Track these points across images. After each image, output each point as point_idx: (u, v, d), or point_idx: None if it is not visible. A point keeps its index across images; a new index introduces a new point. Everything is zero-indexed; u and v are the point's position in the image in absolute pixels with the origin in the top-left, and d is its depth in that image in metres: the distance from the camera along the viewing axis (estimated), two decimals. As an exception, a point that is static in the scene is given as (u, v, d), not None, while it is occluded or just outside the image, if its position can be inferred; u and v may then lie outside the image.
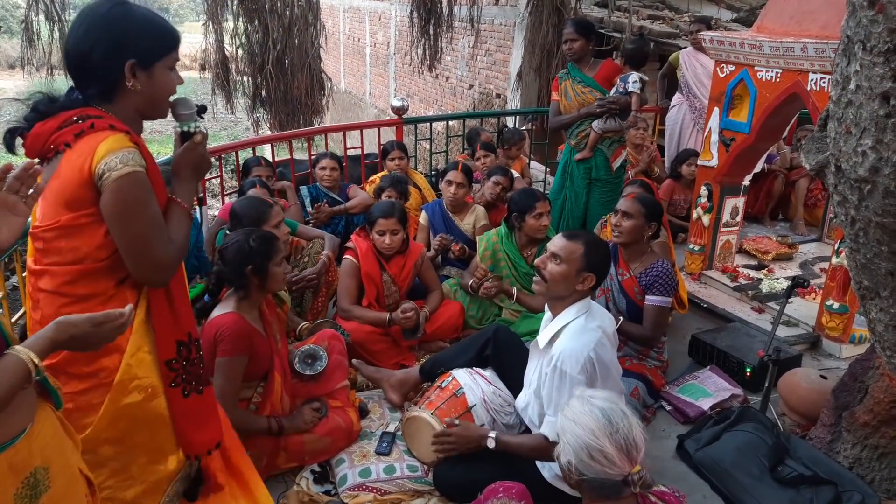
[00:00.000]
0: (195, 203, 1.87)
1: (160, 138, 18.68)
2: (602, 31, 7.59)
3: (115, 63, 1.71)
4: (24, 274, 2.96)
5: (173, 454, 1.91)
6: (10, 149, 1.77)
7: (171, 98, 1.86)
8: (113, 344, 1.64)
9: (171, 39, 1.81)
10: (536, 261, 2.62)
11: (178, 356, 1.89)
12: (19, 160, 1.59)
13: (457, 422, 2.67)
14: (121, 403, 1.79)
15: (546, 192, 5.84)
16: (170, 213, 1.85)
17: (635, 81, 4.31)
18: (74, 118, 1.69)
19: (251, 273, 2.67)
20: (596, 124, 4.43)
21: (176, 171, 1.91)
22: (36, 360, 1.40)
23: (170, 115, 1.90)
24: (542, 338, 2.53)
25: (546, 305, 2.66)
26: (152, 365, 1.84)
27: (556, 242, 2.56)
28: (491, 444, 2.58)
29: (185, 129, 1.90)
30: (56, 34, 7.84)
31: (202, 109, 1.96)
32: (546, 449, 2.44)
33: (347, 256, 3.69)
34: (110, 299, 1.76)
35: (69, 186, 1.69)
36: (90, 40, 1.69)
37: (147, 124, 1.93)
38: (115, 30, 1.70)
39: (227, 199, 5.02)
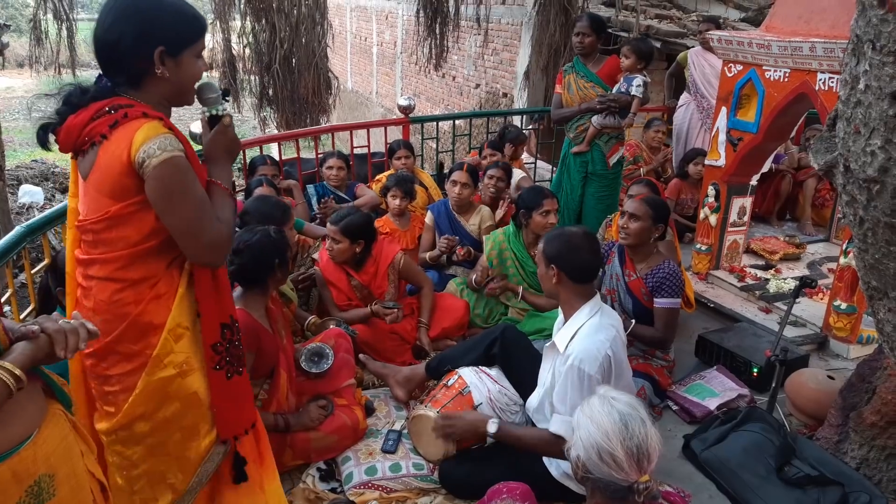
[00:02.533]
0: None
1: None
2: (610, 30, 7.58)
3: (144, 51, 1.71)
4: (32, 271, 2.98)
5: (206, 434, 1.90)
6: (44, 145, 1.78)
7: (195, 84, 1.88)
8: (159, 322, 1.75)
9: (198, 27, 1.82)
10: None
11: (223, 339, 1.91)
12: (53, 156, 1.60)
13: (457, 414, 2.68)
14: (154, 377, 1.79)
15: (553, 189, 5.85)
16: (212, 195, 1.85)
17: (639, 86, 4.33)
18: (107, 108, 1.69)
19: (278, 266, 2.71)
20: (595, 119, 4.46)
21: (209, 155, 1.92)
22: (18, 373, 1.38)
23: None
24: (560, 341, 2.52)
25: (559, 308, 2.66)
26: (189, 342, 1.84)
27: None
28: (493, 427, 2.58)
29: (213, 112, 1.91)
30: (64, 33, 7.87)
31: (226, 93, 1.98)
32: (549, 444, 2.43)
33: (315, 267, 3.71)
34: (159, 282, 1.79)
35: (111, 177, 1.69)
36: (119, 28, 1.70)
37: None
38: (144, 17, 1.71)
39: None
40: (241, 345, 2.00)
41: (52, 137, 1.78)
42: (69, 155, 1.83)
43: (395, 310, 3.49)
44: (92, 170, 1.72)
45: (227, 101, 1.97)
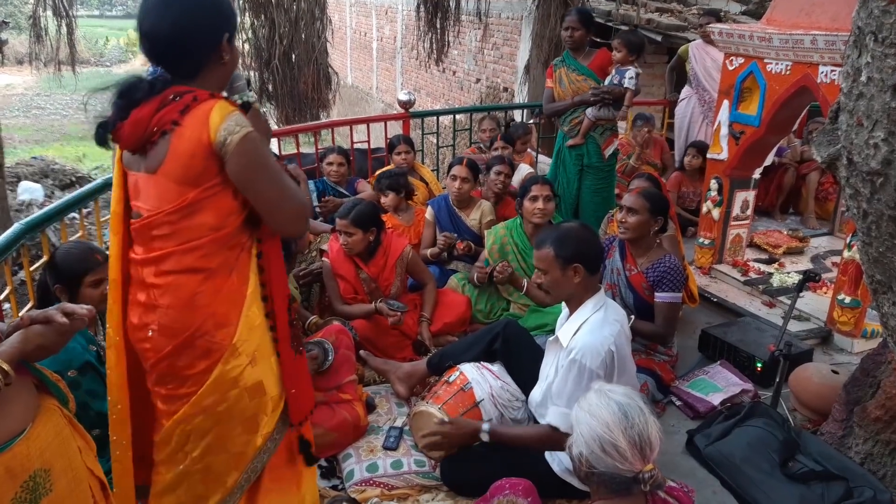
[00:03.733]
0: None
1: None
2: (610, 24, 7.56)
3: (215, 39, 1.73)
4: (31, 269, 2.97)
5: (263, 428, 1.88)
6: (104, 142, 1.74)
7: None
8: (235, 310, 1.75)
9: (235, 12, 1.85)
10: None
11: (290, 315, 1.92)
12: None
13: (446, 419, 2.66)
14: (228, 366, 1.78)
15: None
16: None
17: (632, 77, 4.34)
18: (171, 97, 1.68)
19: (285, 258, 2.71)
20: (590, 112, 4.46)
21: None
22: (6, 368, 1.37)
23: None
24: (564, 336, 2.51)
25: (563, 303, 2.65)
26: (259, 329, 1.83)
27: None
28: (485, 437, 2.57)
29: (245, 99, 1.92)
30: (63, 30, 7.86)
31: (248, 82, 1.98)
32: (549, 438, 2.43)
33: (323, 259, 3.69)
34: (234, 269, 1.79)
35: (189, 161, 1.67)
36: (190, 20, 1.70)
37: None
38: (213, 7, 1.73)
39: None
40: None
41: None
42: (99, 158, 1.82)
43: (399, 312, 3.48)
44: (164, 160, 1.69)
45: (251, 90, 1.97)
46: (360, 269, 3.63)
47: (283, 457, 1.99)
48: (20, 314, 2.89)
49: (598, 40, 6.32)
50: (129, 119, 1.68)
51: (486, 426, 2.59)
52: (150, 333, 1.78)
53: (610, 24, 7.57)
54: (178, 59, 1.73)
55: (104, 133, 1.72)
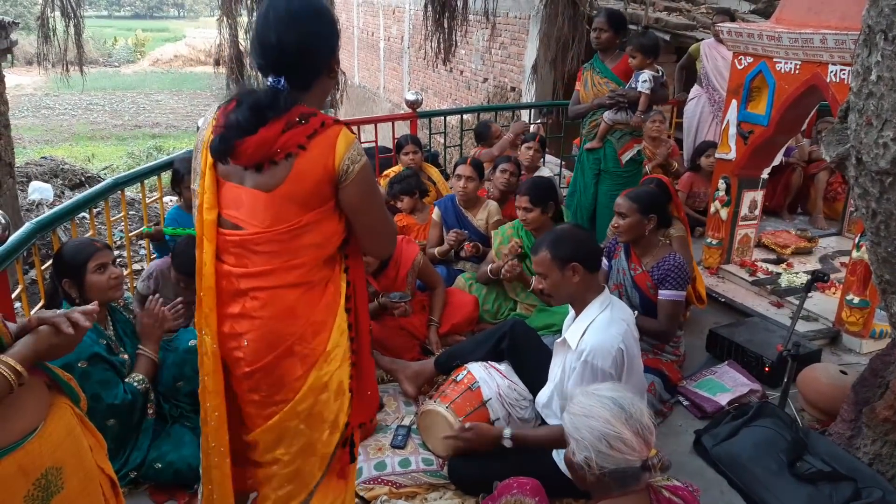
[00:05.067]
0: None
1: (175, 133, 18.82)
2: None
3: (330, 53, 1.81)
4: (42, 267, 2.99)
5: (341, 428, 1.92)
6: (223, 157, 1.74)
7: None
8: (330, 319, 1.83)
9: None
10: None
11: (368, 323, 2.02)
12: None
13: (468, 425, 2.66)
14: (322, 371, 1.83)
15: (562, 185, 5.84)
16: None
17: (645, 81, 4.29)
18: (297, 118, 1.70)
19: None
20: (607, 115, 4.45)
21: None
22: (19, 369, 1.39)
23: None
24: (572, 337, 2.51)
25: (569, 305, 2.65)
26: (345, 335, 1.89)
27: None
28: (507, 444, 2.58)
29: None
30: (72, 30, 7.90)
31: None
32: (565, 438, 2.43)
33: None
34: (330, 281, 1.86)
35: (311, 186, 1.72)
36: (314, 34, 1.75)
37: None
38: (331, 23, 1.80)
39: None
40: None
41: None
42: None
43: (403, 302, 3.46)
44: (285, 181, 1.71)
45: None
46: (369, 284, 3.62)
47: (344, 453, 2.04)
48: (31, 312, 2.92)
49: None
50: (257, 136, 1.68)
51: (507, 432, 2.59)
52: (244, 343, 1.81)
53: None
54: (301, 70, 1.76)
55: (225, 147, 1.71)
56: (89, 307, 1.59)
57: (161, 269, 3.38)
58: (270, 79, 1.72)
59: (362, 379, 1.98)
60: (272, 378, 1.82)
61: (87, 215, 3.53)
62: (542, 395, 2.71)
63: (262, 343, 1.79)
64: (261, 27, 1.73)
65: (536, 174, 5.03)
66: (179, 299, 2.88)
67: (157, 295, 2.83)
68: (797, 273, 4.53)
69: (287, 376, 1.82)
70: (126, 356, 2.65)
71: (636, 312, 3.23)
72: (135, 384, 2.57)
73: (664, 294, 3.29)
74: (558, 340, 2.64)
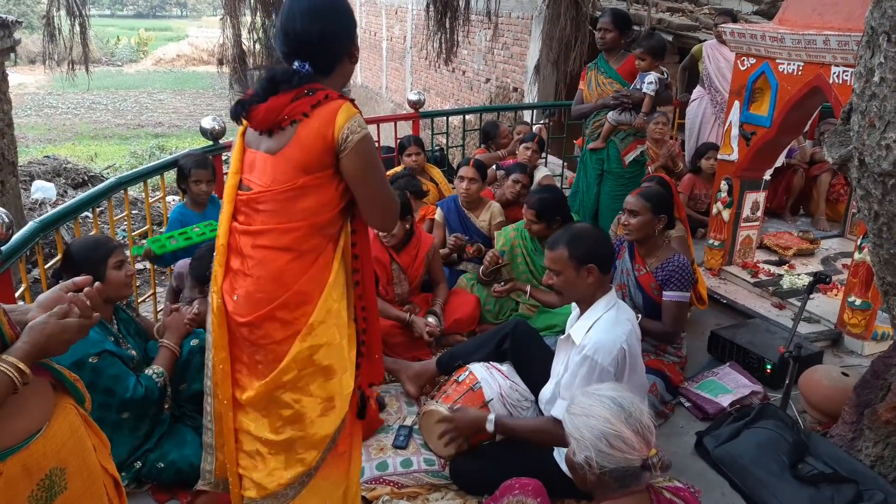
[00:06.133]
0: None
1: (178, 133, 18.84)
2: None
3: (350, 40, 1.95)
4: (45, 266, 3.00)
5: (339, 409, 1.98)
6: (238, 119, 1.97)
7: None
8: (316, 292, 1.90)
9: None
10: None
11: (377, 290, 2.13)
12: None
13: (456, 407, 2.67)
14: (306, 344, 1.90)
15: (565, 186, 5.84)
16: None
17: (650, 83, 4.28)
18: (306, 91, 1.85)
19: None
20: (611, 116, 4.44)
21: None
22: (22, 367, 1.36)
23: None
24: (577, 333, 2.51)
25: (573, 304, 2.65)
26: (337, 315, 1.96)
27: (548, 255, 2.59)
28: (490, 427, 2.58)
29: None
30: (77, 29, 7.90)
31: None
32: (553, 430, 2.42)
33: None
34: (321, 255, 1.94)
35: (311, 152, 1.84)
36: (335, 23, 1.91)
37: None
38: (348, 13, 1.96)
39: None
40: None
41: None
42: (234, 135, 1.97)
43: (436, 326, 3.55)
44: (287, 145, 1.86)
45: None
46: (393, 260, 3.70)
47: (345, 443, 2.08)
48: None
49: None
50: (266, 104, 1.86)
51: (491, 415, 2.61)
52: (234, 298, 1.94)
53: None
54: (323, 57, 1.92)
55: (240, 110, 1.92)
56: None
57: (185, 269, 3.39)
58: (296, 64, 1.89)
59: (372, 344, 2.12)
60: (253, 338, 1.92)
61: (90, 214, 3.54)
62: (545, 391, 2.71)
63: (250, 300, 1.91)
64: (285, 19, 1.89)
65: (536, 174, 5.04)
66: (195, 307, 2.88)
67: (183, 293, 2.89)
68: (799, 275, 4.53)
69: (269, 336, 1.91)
70: (134, 352, 2.67)
71: (639, 316, 3.24)
72: (153, 376, 2.59)
73: (669, 295, 3.29)
74: (562, 337, 2.64)
